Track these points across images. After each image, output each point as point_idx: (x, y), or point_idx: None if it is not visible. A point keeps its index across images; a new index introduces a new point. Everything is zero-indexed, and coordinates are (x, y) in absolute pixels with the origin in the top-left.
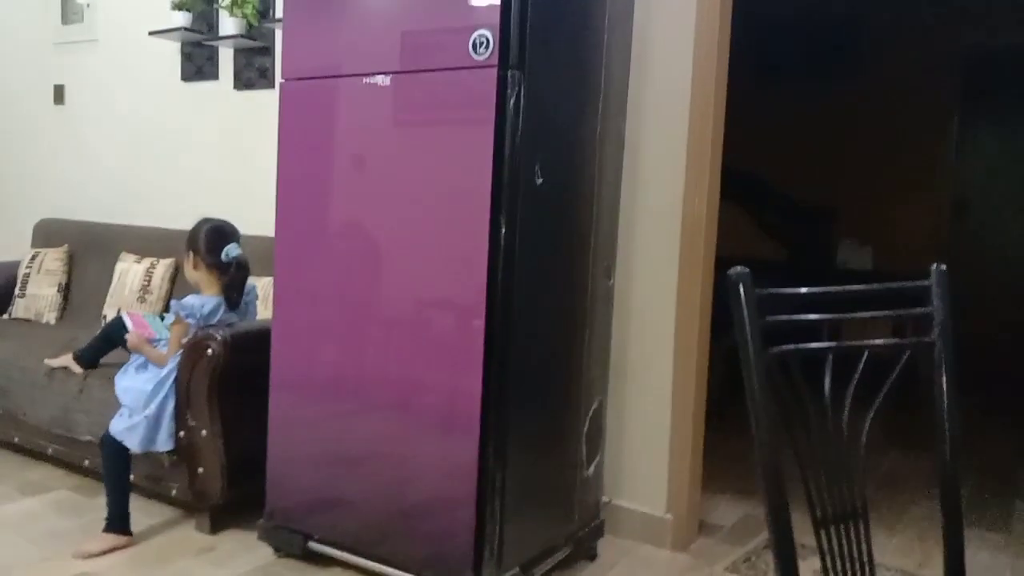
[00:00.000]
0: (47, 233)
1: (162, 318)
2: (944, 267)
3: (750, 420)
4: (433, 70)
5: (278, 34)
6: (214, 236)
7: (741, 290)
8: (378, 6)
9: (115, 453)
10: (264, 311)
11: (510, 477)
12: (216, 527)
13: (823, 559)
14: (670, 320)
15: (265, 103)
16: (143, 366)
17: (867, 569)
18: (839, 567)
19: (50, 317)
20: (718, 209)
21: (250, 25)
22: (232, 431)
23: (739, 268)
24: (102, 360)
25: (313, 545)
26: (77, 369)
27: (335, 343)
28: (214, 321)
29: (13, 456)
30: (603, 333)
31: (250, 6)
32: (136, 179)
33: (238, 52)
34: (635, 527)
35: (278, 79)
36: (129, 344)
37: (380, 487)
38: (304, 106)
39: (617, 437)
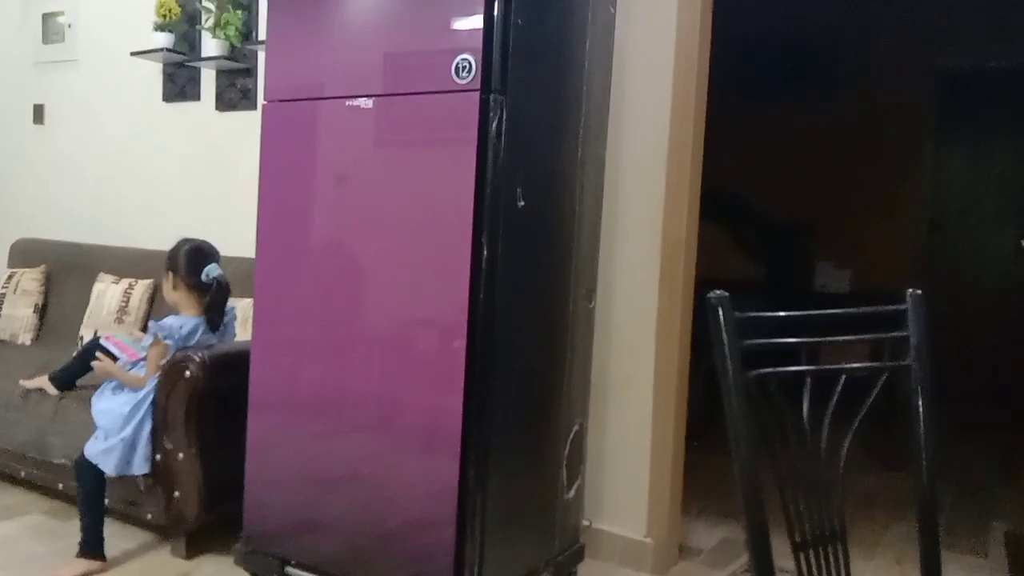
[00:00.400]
0: (24, 253)
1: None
2: (919, 292)
3: (730, 442)
4: (416, 93)
5: (260, 56)
6: (194, 256)
7: (720, 313)
8: (361, 29)
9: (90, 476)
10: (243, 332)
11: (491, 499)
12: (192, 552)
13: None
14: (650, 342)
15: (247, 124)
16: (119, 388)
17: None
18: None
19: (25, 338)
20: (698, 230)
21: (232, 46)
22: (209, 454)
23: (718, 292)
24: (78, 382)
25: (291, 570)
26: (52, 391)
27: (315, 363)
28: (193, 342)
29: None
30: (584, 355)
31: (233, 28)
32: (115, 199)
33: (220, 73)
34: (615, 551)
35: (260, 100)
36: (96, 371)
37: (359, 509)
38: (286, 128)
39: (597, 460)
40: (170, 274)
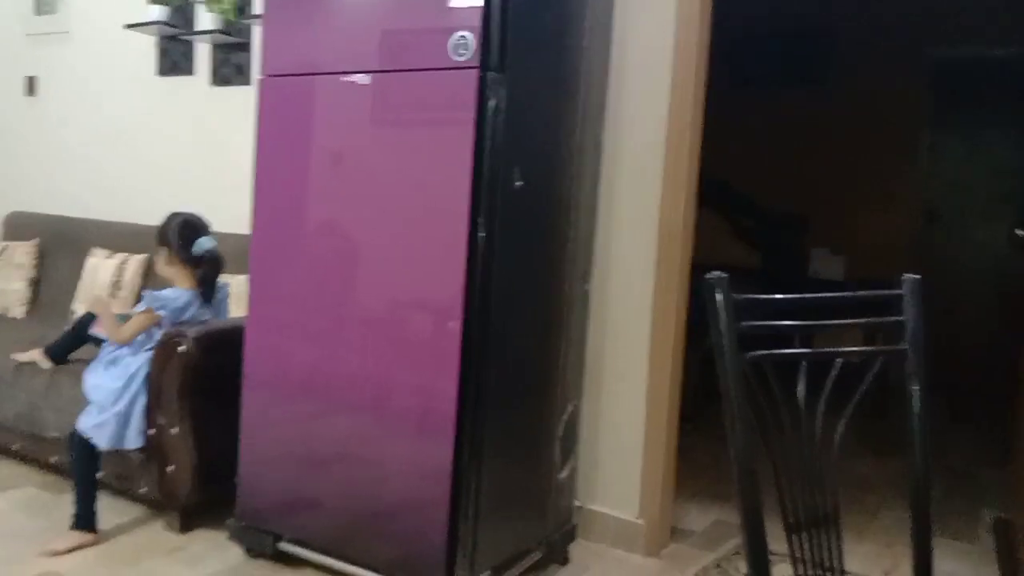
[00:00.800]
0: (17, 226)
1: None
2: (917, 277)
3: (725, 424)
4: (413, 70)
5: (255, 30)
6: (186, 230)
7: (719, 295)
8: (358, 4)
9: (83, 450)
10: (237, 309)
11: (484, 480)
12: (186, 526)
13: (794, 566)
14: (646, 325)
15: (242, 100)
16: (112, 362)
17: (837, 575)
18: (810, 573)
19: (18, 312)
20: (694, 215)
21: (227, 20)
22: (203, 430)
23: (717, 273)
24: (71, 356)
25: (284, 545)
26: (45, 364)
27: (310, 343)
28: (187, 316)
29: None
30: (579, 337)
31: (228, 1)
32: (109, 173)
33: (215, 48)
34: (607, 531)
35: (255, 75)
36: (95, 305)
37: (353, 488)
38: (282, 103)
39: (591, 441)
40: (163, 248)
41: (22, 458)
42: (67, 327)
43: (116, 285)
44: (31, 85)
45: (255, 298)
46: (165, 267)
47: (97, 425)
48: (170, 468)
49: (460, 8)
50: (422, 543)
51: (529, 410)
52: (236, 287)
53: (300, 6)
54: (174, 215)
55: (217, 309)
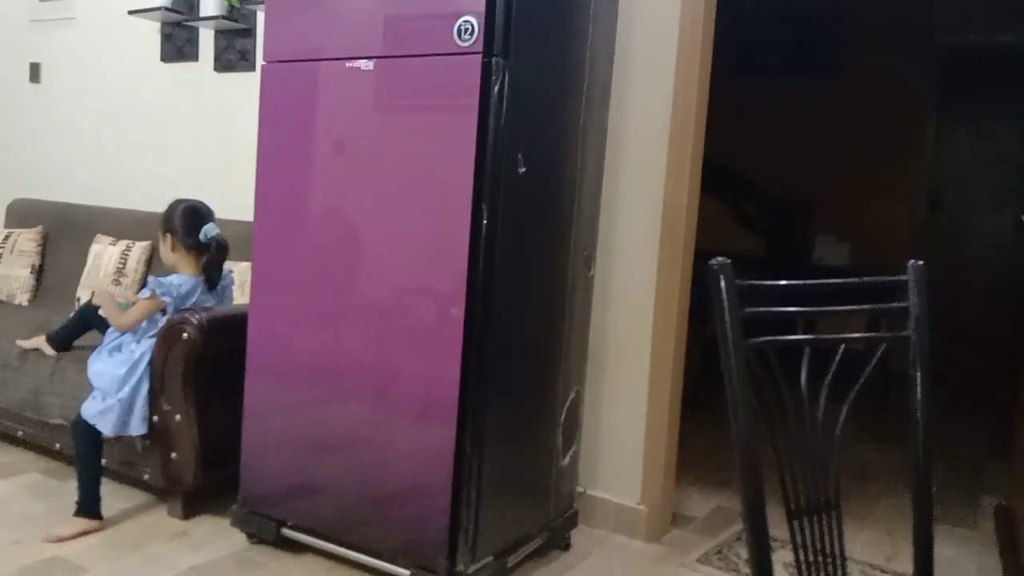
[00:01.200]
0: (21, 213)
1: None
2: (921, 263)
3: (728, 410)
4: (417, 55)
5: (260, 16)
6: (191, 216)
7: (722, 281)
8: None
9: (87, 437)
10: (241, 296)
11: (486, 465)
12: (189, 512)
13: (795, 552)
14: (648, 311)
15: (246, 85)
16: (116, 349)
17: (838, 563)
18: (811, 560)
19: (23, 299)
20: (698, 202)
21: (231, 6)
22: (206, 416)
23: (721, 259)
24: (75, 343)
25: (287, 531)
26: (49, 351)
27: (313, 329)
28: (191, 303)
29: None
30: (582, 323)
31: None
32: (113, 160)
33: (219, 33)
34: (609, 517)
35: (259, 61)
36: (96, 297)
37: (356, 474)
38: (285, 89)
39: (593, 427)
40: (167, 235)
41: (27, 444)
42: (71, 314)
43: (120, 272)
44: (35, 71)
45: (258, 285)
46: (170, 254)
47: (101, 412)
48: (174, 454)
49: None
50: (424, 529)
51: (531, 396)
52: (240, 274)
53: None
54: (178, 201)
55: (221, 296)
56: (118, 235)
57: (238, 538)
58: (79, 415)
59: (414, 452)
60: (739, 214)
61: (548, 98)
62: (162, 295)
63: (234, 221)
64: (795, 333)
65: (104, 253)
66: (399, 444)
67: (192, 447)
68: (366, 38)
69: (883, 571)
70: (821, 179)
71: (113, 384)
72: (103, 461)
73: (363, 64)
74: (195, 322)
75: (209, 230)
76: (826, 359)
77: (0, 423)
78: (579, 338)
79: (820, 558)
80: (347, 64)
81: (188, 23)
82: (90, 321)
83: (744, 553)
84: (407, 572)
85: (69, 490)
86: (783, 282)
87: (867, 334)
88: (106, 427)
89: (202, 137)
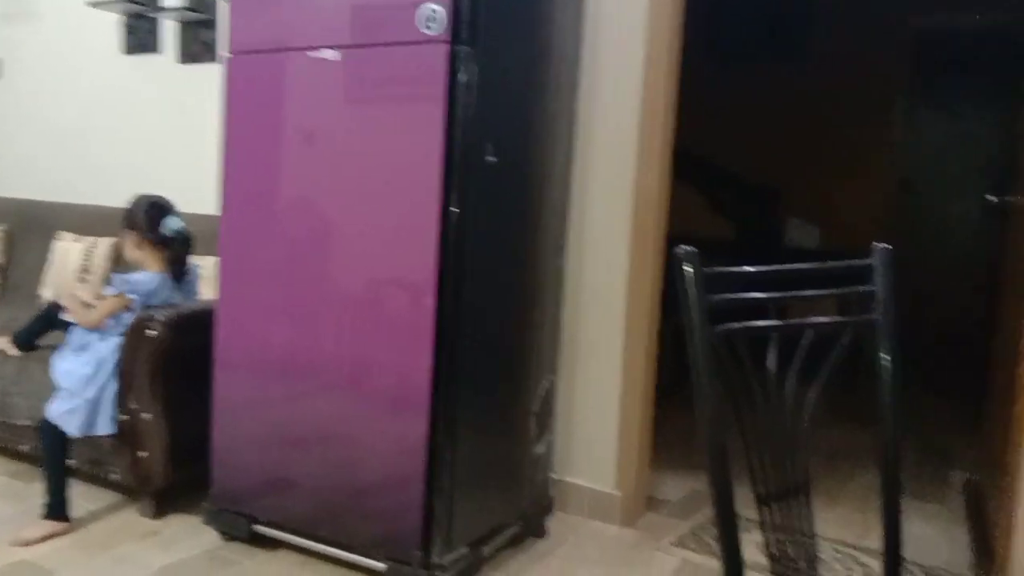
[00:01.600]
0: None
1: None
2: (887, 246)
3: (695, 399)
4: (382, 44)
5: (222, 6)
6: (152, 211)
7: (688, 269)
8: None
9: (53, 438)
10: (207, 291)
11: (460, 455)
12: (160, 511)
13: (765, 534)
14: (621, 298)
15: (210, 77)
16: (82, 348)
17: (808, 543)
18: (781, 541)
19: None
20: (670, 189)
21: None
22: (175, 414)
23: (685, 247)
24: (39, 342)
25: (259, 528)
26: (13, 351)
27: (281, 323)
28: (158, 300)
29: None
30: (555, 312)
31: None
32: (76, 155)
33: (182, 25)
34: (584, 504)
35: (223, 52)
36: (63, 297)
37: (328, 468)
38: (250, 80)
39: (567, 415)
40: (131, 232)
41: None
42: (34, 313)
43: (85, 269)
44: None
45: (225, 279)
46: (134, 251)
47: (67, 412)
48: (142, 453)
49: None
50: (398, 521)
51: (504, 385)
52: (206, 269)
53: None
54: (140, 197)
55: (187, 291)
56: (82, 232)
57: (210, 536)
58: (45, 415)
59: (387, 444)
60: (710, 200)
61: (516, 86)
62: (128, 292)
63: (201, 215)
64: (765, 318)
65: (68, 250)
66: (371, 437)
67: (161, 445)
68: (331, 27)
69: (855, 548)
70: (792, 163)
71: (79, 383)
72: (71, 462)
73: (328, 54)
74: (162, 319)
75: (172, 223)
76: (795, 343)
77: None
78: (552, 327)
79: (791, 538)
80: (312, 54)
81: (150, 15)
82: (54, 320)
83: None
84: (382, 565)
85: (36, 492)
86: (749, 268)
87: (834, 318)
88: (72, 427)
89: (167, 130)
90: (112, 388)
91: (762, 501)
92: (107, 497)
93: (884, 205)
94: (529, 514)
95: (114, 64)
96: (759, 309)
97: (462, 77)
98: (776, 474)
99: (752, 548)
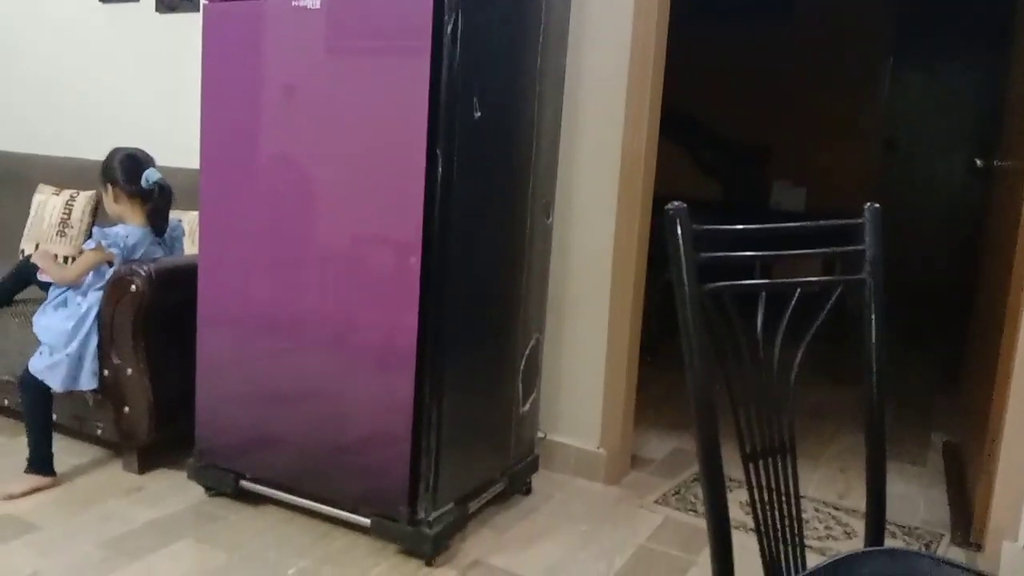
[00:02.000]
0: None
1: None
2: (877, 206)
3: (684, 355)
4: None
5: None
6: (130, 164)
7: (678, 226)
8: None
9: (36, 392)
10: (192, 247)
11: (446, 413)
12: (145, 467)
13: (750, 491)
14: (607, 257)
15: (189, 26)
16: (62, 303)
17: (792, 501)
18: (766, 499)
19: None
20: (657, 148)
21: None
22: (159, 369)
23: (676, 203)
24: (17, 298)
25: (245, 484)
26: None
27: (266, 279)
28: (139, 254)
29: None
30: (541, 270)
31: None
32: (54, 107)
33: None
34: (569, 462)
35: (203, 1)
36: (35, 256)
37: (314, 424)
38: (230, 30)
39: (553, 373)
40: (109, 186)
41: None
42: (9, 270)
43: (65, 223)
44: None
45: (206, 234)
46: (113, 205)
47: (49, 366)
48: (126, 408)
49: None
50: (384, 477)
51: (491, 344)
52: (189, 223)
53: None
54: (116, 150)
55: (171, 247)
56: (62, 184)
57: (196, 492)
58: (26, 370)
59: (373, 401)
60: (696, 160)
61: (504, 40)
62: (108, 246)
63: (181, 169)
64: (751, 277)
65: (47, 203)
66: (358, 393)
67: (145, 401)
68: None
69: (836, 508)
70: (777, 124)
71: (61, 339)
72: (54, 416)
73: (309, 2)
74: (143, 274)
75: (150, 175)
76: (783, 301)
77: None
78: (538, 285)
79: (775, 497)
80: (293, 3)
81: None
82: (28, 277)
83: (701, 494)
84: (367, 521)
85: (19, 447)
86: (738, 227)
87: (823, 278)
88: (55, 382)
89: (146, 81)
90: (94, 343)
91: (748, 459)
92: (91, 452)
93: (869, 166)
94: (515, 471)
95: (91, 13)
96: (743, 269)
97: (448, 28)
98: (763, 432)
99: (735, 507)
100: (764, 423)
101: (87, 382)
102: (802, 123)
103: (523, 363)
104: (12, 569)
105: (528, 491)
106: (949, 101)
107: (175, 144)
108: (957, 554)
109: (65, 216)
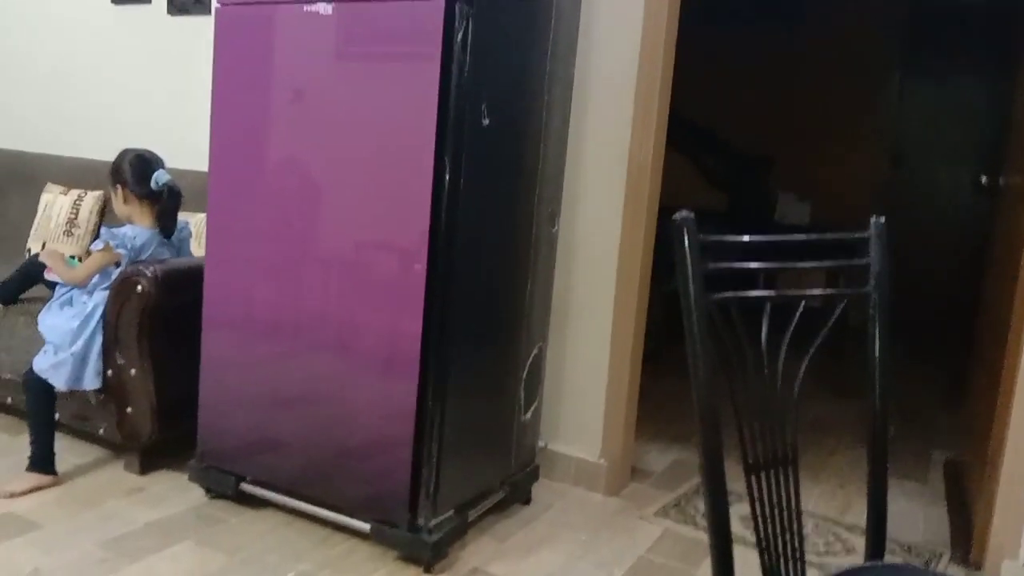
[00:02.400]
0: None
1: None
2: (883, 220)
3: (689, 365)
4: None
5: None
6: (140, 165)
7: (685, 235)
8: None
9: (39, 391)
10: (198, 248)
11: (448, 420)
12: (146, 467)
13: (752, 504)
14: (612, 267)
15: (200, 30)
16: (67, 302)
17: (794, 515)
18: (767, 513)
19: None
20: (663, 157)
21: None
22: (163, 370)
23: (684, 212)
24: (22, 296)
25: (246, 486)
26: None
27: (272, 283)
28: (146, 255)
29: None
30: (545, 279)
31: None
32: (64, 107)
33: None
34: (569, 471)
35: (214, 4)
36: (43, 255)
37: (316, 429)
38: (241, 34)
39: (555, 383)
40: (118, 187)
41: None
42: (15, 268)
43: (72, 223)
44: None
45: (213, 236)
46: (122, 206)
47: (54, 365)
48: (129, 409)
49: None
50: (386, 483)
51: (494, 351)
52: (196, 225)
53: None
54: (125, 151)
55: (179, 248)
56: (69, 184)
57: (196, 493)
58: (30, 369)
59: (376, 407)
60: (702, 169)
61: (513, 48)
62: (116, 247)
63: (190, 171)
64: (755, 288)
65: (55, 203)
66: (361, 399)
67: (148, 402)
68: None
69: (836, 523)
70: (783, 135)
71: (66, 338)
72: (56, 416)
73: (321, 8)
74: (149, 274)
75: (160, 177)
76: (783, 313)
77: None
78: (542, 294)
79: (776, 511)
80: (305, 8)
81: None
82: (35, 276)
83: (701, 506)
84: (367, 526)
85: (22, 445)
86: (746, 237)
87: (829, 291)
88: (59, 381)
89: (156, 83)
90: (98, 343)
91: (750, 471)
92: (93, 452)
93: (874, 179)
94: (515, 480)
95: (103, 14)
96: (748, 280)
97: (458, 35)
98: (765, 444)
99: (735, 521)
100: (767, 434)
101: (91, 382)
102: (808, 135)
103: (526, 372)
104: (13, 567)
105: (528, 500)
106: (957, 116)
107: (184, 146)
108: (957, 572)
109: (72, 216)
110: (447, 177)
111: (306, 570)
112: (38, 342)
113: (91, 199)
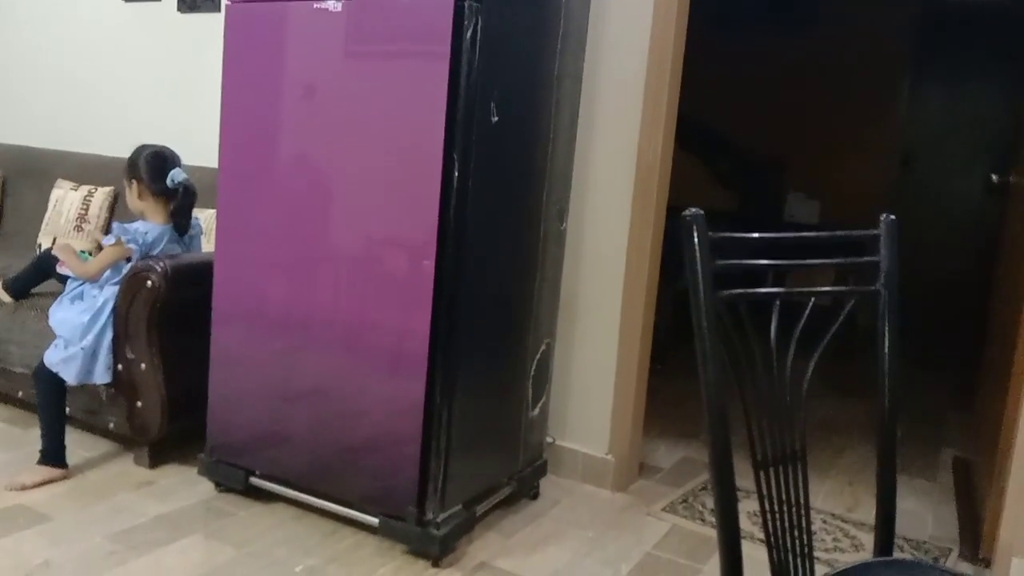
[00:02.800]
0: None
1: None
2: (893, 217)
3: (697, 362)
4: None
5: None
6: (157, 162)
7: (695, 232)
8: None
9: (50, 385)
10: (208, 244)
11: (456, 415)
12: (156, 461)
13: (760, 500)
14: (620, 264)
15: (211, 26)
16: (78, 296)
17: (802, 512)
18: (775, 509)
19: None
20: (672, 156)
21: None
22: (173, 365)
23: (693, 210)
24: (34, 290)
25: (255, 480)
26: (7, 299)
27: (281, 279)
28: (158, 250)
29: None
30: (554, 276)
31: None
32: (75, 104)
33: None
34: (577, 467)
35: (224, 0)
36: (55, 249)
37: (325, 424)
38: (251, 31)
39: (563, 379)
40: (133, 182)
41: None
42: (28, 262)
43: (82, 218)
44: None
45: (223, 233)
46: (137, 201)
47: (64, 360)
48: (139, 403)
49: None
50: (393, 478)
51: (502, 348)
52: (206, 221)
53: None
54: (143, 147)
55: (189, 244)
56: (80, 180)
57: (206, 487)
58: (41, 363)
59: (384, 402)
60: (712, 169)
61: (522, 45)
62: (127, 242)
63: (200, 167)
64: (764, 286)
65: (65, 198)
66: (369, 394)
67: (158, 396)
68: None
69: (844, 521)
70: (793, 135)
71: (76, 332)
72: (67, 409)
73: (331, 5)
74: (159, 269)
75: (176, 175)
76: (792, 311)
77: None
78: (550, 291)
79: (784, 508)
80: (315, 5)
81: None
82: (48, 270)
83: (709, 503)
84: (376, 520)
85: (33, 438)
86: (755, 235)
87: (838, 288)
88: (70, 375)
89: (166, 79)
90: (109, 337)
91: (759, 467)
92: (103, 446)
93: (885, 181)
94: (523, 475)
95: (114, 11)
96: (759, 277)
97: (468, 33)
98: (774, 441)
99: (743, 517)
100: (776, 431)
101: (101, 376)
102: (818, 135)
103: (534, 368)
104: (23, 558)
105: (535, 496)
106: (967, 118)
107: (194, 142)
108: (966, 569)
109: (83, 211)
110: (456, 174)
111: (314, 564)
112: (49, 336)
113: (101, 195)
